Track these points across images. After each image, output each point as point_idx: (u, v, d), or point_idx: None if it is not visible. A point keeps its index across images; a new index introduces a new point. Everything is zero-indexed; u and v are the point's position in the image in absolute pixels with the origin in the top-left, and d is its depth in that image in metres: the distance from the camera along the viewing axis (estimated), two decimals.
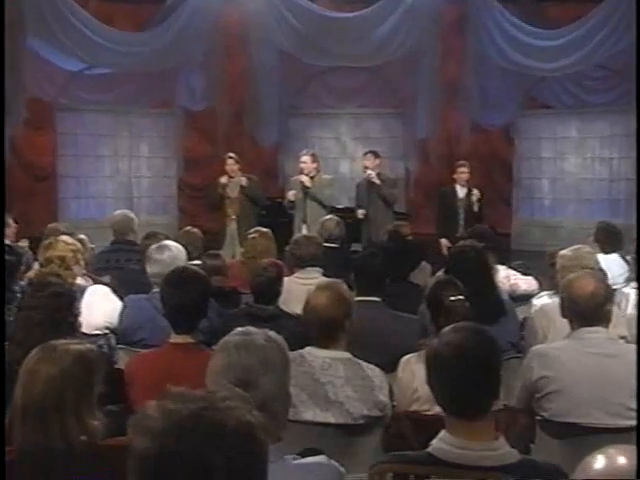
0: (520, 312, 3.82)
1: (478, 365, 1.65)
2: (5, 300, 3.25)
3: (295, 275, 4.19)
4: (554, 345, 2.61)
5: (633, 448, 1.05)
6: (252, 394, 1.55)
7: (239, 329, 1.81)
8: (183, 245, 4.63)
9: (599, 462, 1.03)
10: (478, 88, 9.71)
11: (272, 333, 1.82)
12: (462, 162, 7.14)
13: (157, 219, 9.46)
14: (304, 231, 6.27)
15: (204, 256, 4.44)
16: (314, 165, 6.76)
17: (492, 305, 3.13)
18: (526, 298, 4.09)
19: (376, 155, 7.06)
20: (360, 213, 6.85)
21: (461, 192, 7.02)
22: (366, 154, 7.10)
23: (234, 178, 6.83)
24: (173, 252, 3.63)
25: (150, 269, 3.57)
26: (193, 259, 4.51)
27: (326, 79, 10.24)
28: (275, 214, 8.16)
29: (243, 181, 6.71)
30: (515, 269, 4.45)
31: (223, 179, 6.77)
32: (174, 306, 2.72)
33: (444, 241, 6.89)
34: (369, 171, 6.84)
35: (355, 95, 10.21)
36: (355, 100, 10.25)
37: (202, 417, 1.02)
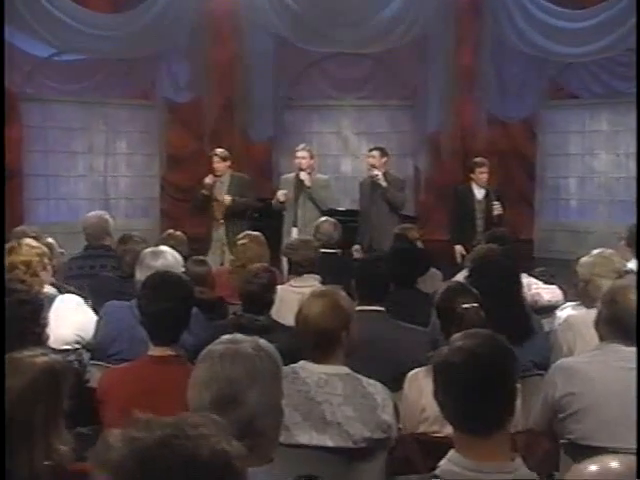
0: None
1: (492, 374, 1.64)
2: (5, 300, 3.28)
3: (290, 283, 4.19)
4: (580, 358, 2.60)
5: (631, 457, 1.09)
6: (238, 410, 1.60)
7: (226, 337, 1.81)
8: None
9: (592, 466, 1.08)
10: (496, 76, 9.76)
11: (262, 341, 1.83)
12: (481, 160, 7.10)
13: (136, 223, 9.47)
14: (294, 235, 6.29)
15: (188, 262, 4.44)
16: (312, 161, 6.79)
17: (519, 323, 3.14)
18: (549, 310, 4.08)
19: (383, 153, 7.03)
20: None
21: (479, 193, 6.97)
22: (371, 151, 7.09)
23: (222, 177, 6.83)
24: (168, 260, 3.64)
25: (139, 275, 3.56)
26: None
27: (325, 67, 10.26)
28: (269, 217, 8.17)
29: (227, 200, 6.68)
30: (537, 277, 4.44)
31: (208, 179, 6.77)
32: (153, 313, 2.72)
33: (459, 248, 6.84)
34: (375, 171, 6.81)
35: (358, 85, 10.24)
36: (358, 91, 10.28)
37: (171, 446, 1.01)
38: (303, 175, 6.60)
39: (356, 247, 6.79)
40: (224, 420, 1.51)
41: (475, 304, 2.63)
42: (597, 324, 2.62)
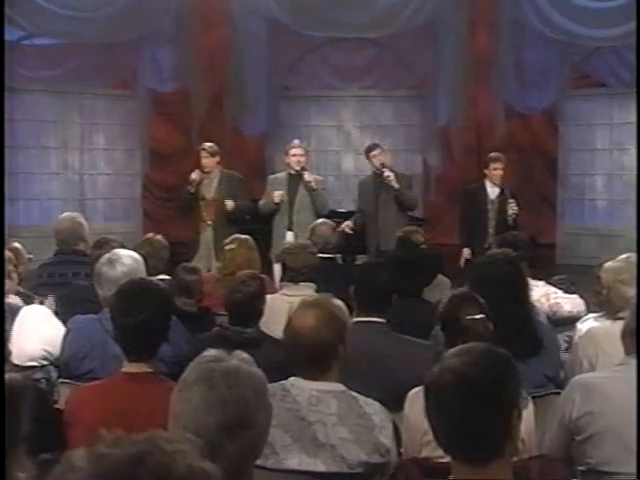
0: (562, 339, 3.81)
1: (486, 396, 1.62)
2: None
3: (283, 291, 4.19)
4: (601, 374, 2.60)
5: None
6: (249, 432, 1.64)
7: (205, 354, 1.81)
8: (144, 256, 4.68)
9: None
10: (514, 63, 9.76)
11: (246, 355, 1.84)
12: (495, 155, 7.08)
13: (116, 226, 9.49)
14: (289, 239, 6.28)
15: (179, 269, 4.45)
16: (305, 159, 6.77)
17: (525, 337, 3.13)
18: (570, 322, 4.07)
19: (381, 148, 7.05)
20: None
21: (492, 192, 6.95)
22: (374, 148, 7.04)
23: (210, 174, 6.82)
24: (128, 266, 3.62)
25: (102, 291, 3.53)
26: (158, 273, 4.54)
27: (325, 54, 10.29)
28: (262, 219, 8.17)
29: (229, 205, 6.69)
30: (556, 285, 4.43)
31: (195, 175, 6.76)
32: (127, 326, 2.71)
33: (466, 251, 6.85)
34: (387, 172, 6.77)
35: (361, 74, 10.27)
36: (361, 80, 10.30)
37: (145, 463, 1.00)
38: (308, 176, 6.57)
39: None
40: (232, 444, 1.59)
41: (482, 315, 2.63)
42: (623, 336, 2.61)
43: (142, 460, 1.01)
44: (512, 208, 6.68)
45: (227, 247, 4.90)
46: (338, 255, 6.56)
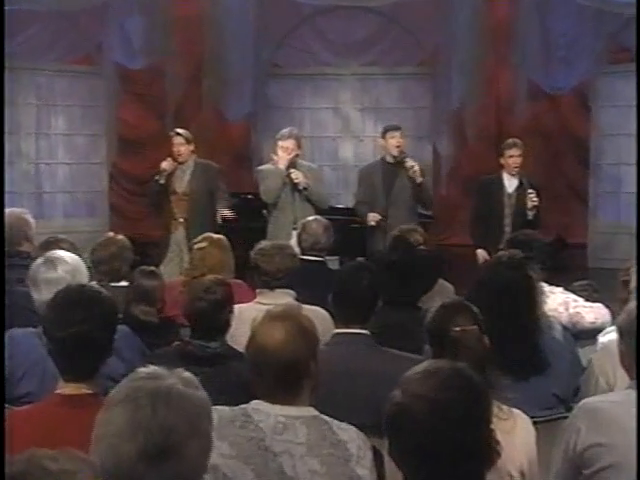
0: (584, 355, 3.76)
1: (462, 421, 1.65)
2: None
3: (257, 300, 4.16)
4: (610, 398, 2.55)
5: None
6: (176, 465, 1.60)
7: (140, 371, 1.78)
8: (103, 259, 4.65)
9: None
10: (539, 35, 9.71)
11: (188, 375, 1.80)
12: (512, 141, 7.04)
13: (79, 223, 9.48)
14: (294, 240, 6.21)
15: (135, 273, 4.42)
16: (298, 152, 6.67)
17: (526, 353, 3.12)
18: (593, 334, 4.03)
19: (402, 132, 6.96)
20: (372, 218, 6.70)
21: (510, 185, 6.89)
22: (394, 129, 6.94)
23: (184, 164, 6.80)
24: (72, 265, 3.58)
25: (37, 295, 3.52)
26: (119, 279, 4.54)
27: (320, 25, 10.27)
28: (246, 216, 8.14)
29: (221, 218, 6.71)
30: (577, 292, 4.39)
31: (166, 164, 6.74)
32: (62, 340, 2.66)
33: (481, 253, 6.79)
34: (411, 162, 6.67)
35: (362, 48, 10.24)
36: (362, 55, 10.28)
37: None
38: (296, 175, 6.46)
39: (372, 215, 6.75)
40: (153, 476, 1.58)
41: (474, 326, 2.60)
42: (622, 359, 2.59)
43: None
44: (531, 200, 6.61)
45: (197, 246, 4.88)
46: (334, 257, 6.54)
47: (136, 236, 9.71)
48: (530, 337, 3.15)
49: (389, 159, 6.80)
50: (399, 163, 6.72)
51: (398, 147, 6.77)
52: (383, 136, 6.91)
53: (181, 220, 6.77)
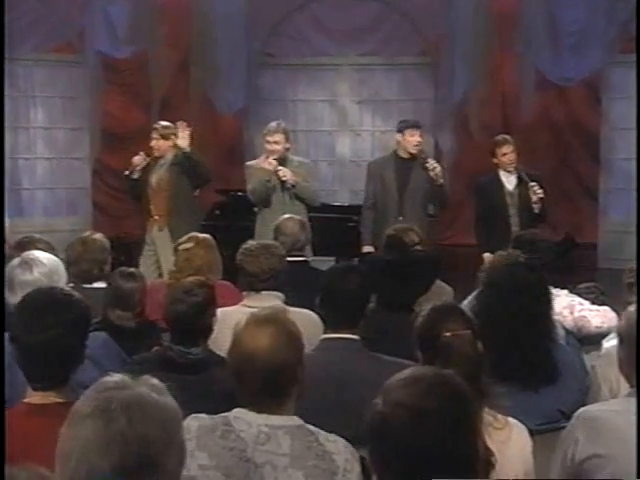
0: (589, 361, 3.77)
1: (449, 430, 1.64)
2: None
3: (243, 302, 4.16)
4: (609, 406, 2.56)
5: None
6: (153, 478, 1.58)
7: (106, 380, 1.76)
8: (72, 260, 4.63)
9: None
10: (548, 23, 9.70)
11: (156, 382, 1.80)
12: (502, 138, 7.00)
13: (60, 221, 9.49)
14: None
15: (114, 275, 4.41)
16: (288, 145, 6.67)
17: (531, 361, 3.08)
18: (600, 339, 4.03)
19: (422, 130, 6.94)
20: (366, 249, 6.61)
21: (509, 182, 6.87)
22: (415, 126, 6.89)
23: (161, 158, 6.78)
24: (49, 266, 3.58)
25: (12, 298, 3.50)
26: (95, 280, 4.54)
27: (316, 12, 10.26)
28: (236, 214, 8.14)
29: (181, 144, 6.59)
30: (582, 295, 4.40)
31: (138, 158, 6.74)
32: (30, 347, 2.65)
33: (489, 257, 6.78)
34: (433, 162, 6.64)
35: (360, 36, 10.23)
36: (360, 44, 10.27)
37: None
38: (284, 173, 6.44)
39: (367, 247, 6.70)
40: None
41: (467, 331, 2.60)
42: (621, 366, 2.60)
43: None
44: (535, 192, 6.60)
45: (182, 247, 4.86)
46: (330, 258, 6.54)
47: (121, 235, 9.81)
48: (542, 343, 3.14)
49: (403, 154, 6.76)
50: (414, 159, 6.71)
51: (417, 145, 6.77)
52: (401, 131, 6.82)
53: (156, 217, 6.74)
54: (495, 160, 6.89)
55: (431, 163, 6.66)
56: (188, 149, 6.59)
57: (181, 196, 6.72)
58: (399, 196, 6.73)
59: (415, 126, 6.85)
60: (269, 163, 6.41)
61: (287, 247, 5.01)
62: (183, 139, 6.60)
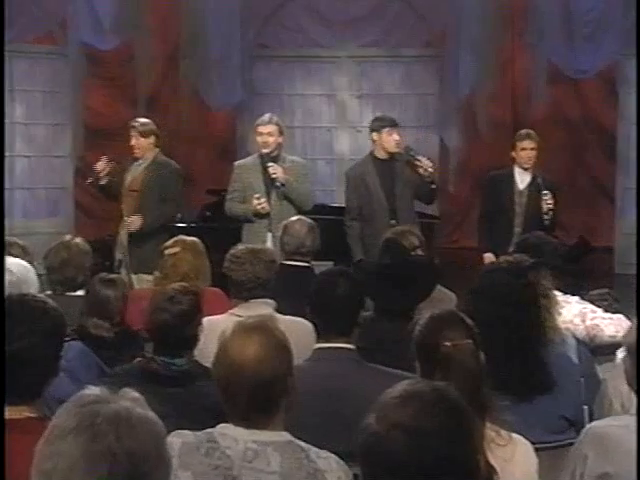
0: (602, 372, 3.77)
1: (443, 456, 1.62)
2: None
3: (233, 311, 4.15)
4: (619, 422, 2.55)
5: None
6: None
7: (85, 393, 1.76)
8: (55, 266, 4.64)
9: None
10: (561, 11, 9.70)
11: (136, 394, 1.80)
12: (525, 132, 7.03)
13: (40, 223, 9.51)
14: (269, 244, 6.21)
15: (93, 281, 4.41)
16: (280, 139, 6.66)
17: (526, 369, 3.09)
18: (614, 349, 4.02)
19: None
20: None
21: (521, 181, 6.89)
22: (392, 124, 6.88)
23: (140, 159, 6.76)
24: (17, 273, 3.59)
25: None
26: (76, 287, 4.56)
27: (313, 1, 10.27)
28: (227, 217, 8.12)
29: (134, 224, 6.61)
30: (595, 302, 4.39)
31: (100, 164, 6.67)
32: None
33: (489, 257, 6.77)
34: (423, 160, 6.57)
35: (360, 27, 10.23)
36: (360, 35, 10.27)
37: None
38: (274, 170, 6.44)
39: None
40: None
41: (468, 340, 2.60)
42: (629, 381, 2.60)
43: None
44: (547, 202, 6.61)
45: (167, 251, 4.86)
46: (328, 263, 6.53)
47: (106, 238, 9.77)
48: (533, 351, 3.13)
49: (381, 155, 6.72)
50: (393, 159, 6.69)
51: (398, 145, 6.74)
52: (377, 130, 6.76)
53: (126, 219, 6.74)
54: (513, 154, 6.89)
55: (424, 162, 6.60)
56: None
57: (150, 200, 6.67)
58: (387, 201, 6.70)
59: (393, 124, 6.81)
60: (262, 207, 6.40)
61: (291, 249, 5.01)
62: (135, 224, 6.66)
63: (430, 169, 6.58)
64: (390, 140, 6.68)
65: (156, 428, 1.68)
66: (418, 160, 6.58)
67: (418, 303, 4.00)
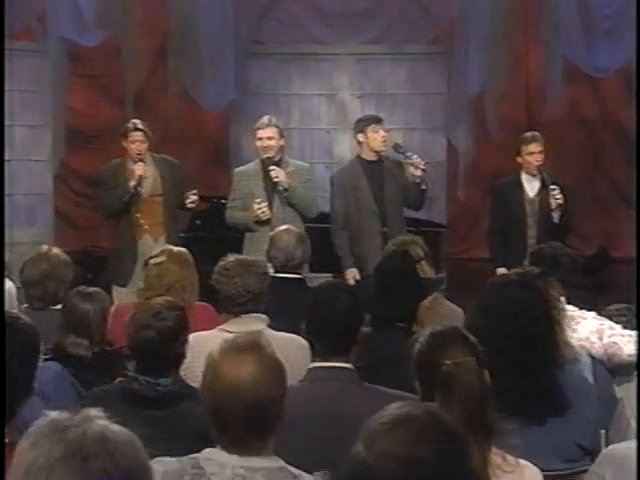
0: (621, 393, 3.77)
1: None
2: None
3: (222, 327, 4.15)
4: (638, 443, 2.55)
5: None
6: None
7: (53, 419, 1.72)
8: (32, 280, 4.65)
9: None
10: (578, 5, 9.73)
11: (99, 413, 1.78)
12: (531, 135, 7.02)
13: (17, 234, 9.41)
14: None
15: (70, 295, 4.41)
16: (282, 143, 6.69)
17: (542, 390, 3.07)
18: (632, 369, 4.00)
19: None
20: (351, 276, 6.62)
21: (531, 188, 6.88)
22: (377, 121, 6.91)
23: (143, 164, 6.79)
24: None
25: None
26: (56, 302, 4.57)
27: None
28: (220, 225, 8.13)
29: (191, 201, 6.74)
30: (613, 318, 4.36)
31: (140, 169, 6.64)
32: None
33: (502, 272, 6.79)
34: (416, 156, 6.64)
35: (362, 22, 10.26)
36: (362, 31, 10.30)
37: None
38: (276, 174, 6.46)
39: (351, 270, 6.68)
40: None
41: (471, 358, 2.59)
42: None
43: None
44: (555, 197, 6.59)
45: (152, 261, 4.86)
46: (327, 275, 6.52)
47: (88, 249, 9.79)
48: (544, 369, 3.12)
49: (369, 157, 6.72)
50: (381, 160, 6.69)
51: (384, 141, 6.73)
52: (362, 131, 6.75)
53: (146, 227, 6.75)
54: (519, 159, 6.87)
55: (414, 160, 6.59)
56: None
57: (173, 203, 6.83)
58: (377, 205, 6.70)
59: (376, 121, 6.84)
60: (262, 212, 6.45)
61: (280, 263, 5.00)
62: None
63: (422, 166, 6.57)
64: (376, 137, 6.69)
65: (140, 448, 1.67)
66: (408, 157, 6.59)
67: (408, 313, 4.01)
